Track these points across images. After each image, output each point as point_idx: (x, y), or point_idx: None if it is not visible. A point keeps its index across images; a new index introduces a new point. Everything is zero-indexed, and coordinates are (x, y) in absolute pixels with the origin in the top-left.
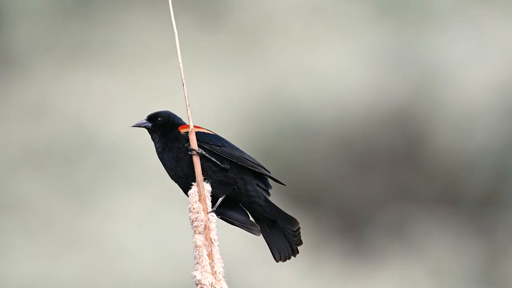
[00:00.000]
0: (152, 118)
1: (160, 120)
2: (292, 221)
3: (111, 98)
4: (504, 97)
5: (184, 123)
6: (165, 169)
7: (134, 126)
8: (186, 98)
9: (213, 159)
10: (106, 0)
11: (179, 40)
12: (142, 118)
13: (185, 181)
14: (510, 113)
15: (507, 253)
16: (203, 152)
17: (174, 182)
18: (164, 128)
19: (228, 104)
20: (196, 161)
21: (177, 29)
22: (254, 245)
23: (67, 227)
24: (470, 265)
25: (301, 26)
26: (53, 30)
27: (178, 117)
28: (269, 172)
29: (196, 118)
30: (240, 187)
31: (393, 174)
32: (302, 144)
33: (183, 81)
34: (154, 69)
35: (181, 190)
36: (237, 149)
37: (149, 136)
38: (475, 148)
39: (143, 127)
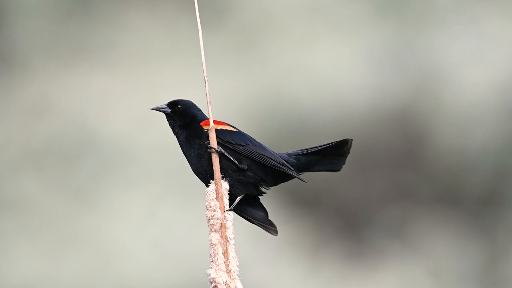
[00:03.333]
0: (172, 104)
1: (180, 108)
2: (341, 144)
3: (111, 98)
4: (504, 97)
5: (206, 117)
6: (188, 163)
7: (153, 109)
8: (208, 96)
9: (232, 159)
10: (106, 0)
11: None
12: (162, 104)
13: (205, 178)
14: (510, 113)
15: (508, 253)
16: (222, 150)
17: (196, 176)
18: (183, 117)
19: (228, 104)
20: (215, 159)
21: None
22: (253, 244)
23: (67, 227)
24: (470, 265)
25: (301, 26)
26: (54, 29)
27: (198, 108)
28: (292, 170)
29: None
30: (261, 186)
31: (393, 174)
32: (302, 144)
33: (205, 79)
34: (154, 68)
35: (183, 190)
36: (261, 146)
37: (149, 136)
38: (475, 148)
39: (162, 111)
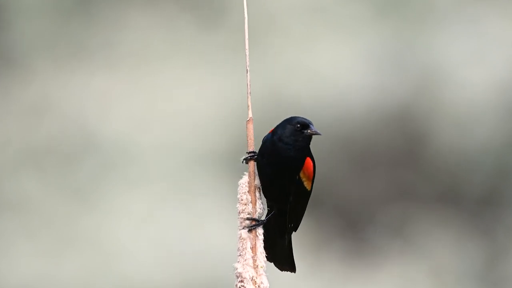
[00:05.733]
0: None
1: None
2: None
3: (111, 98)
4: (504, 97)
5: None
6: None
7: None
8: (248, 86)
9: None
10: (106, 0)
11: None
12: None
13: (264, 181)
14: (510, 113)
15: (508, 253)
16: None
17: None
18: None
19: (227, 104)
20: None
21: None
22: None
23: (67, 227)
24: (470, 264)
25: (301, 26)
26: (54, 29)
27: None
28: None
29: (195, 117)
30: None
31: (393, 173)
32: None
33: (247, 68)
34: (154, 68)
35: (183, 190)
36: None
37: (149, 136)
38: (476, 147)
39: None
